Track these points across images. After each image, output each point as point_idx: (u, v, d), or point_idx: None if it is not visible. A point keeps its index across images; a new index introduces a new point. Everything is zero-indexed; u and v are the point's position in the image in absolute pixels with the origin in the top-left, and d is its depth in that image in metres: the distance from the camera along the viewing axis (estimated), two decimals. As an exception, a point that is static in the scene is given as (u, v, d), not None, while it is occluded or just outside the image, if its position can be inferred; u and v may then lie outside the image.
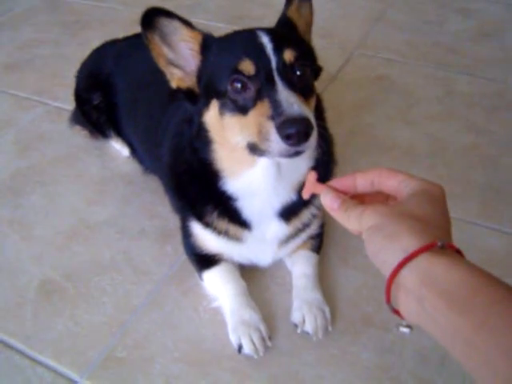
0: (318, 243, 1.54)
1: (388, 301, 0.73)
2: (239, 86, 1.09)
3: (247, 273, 1.50)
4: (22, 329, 1.41)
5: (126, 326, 1.41)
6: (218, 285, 1.44)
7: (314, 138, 1.04)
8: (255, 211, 1.33)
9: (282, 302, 1.45)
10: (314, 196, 0.96)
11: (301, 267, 1.47)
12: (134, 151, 1.96)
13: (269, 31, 1.15)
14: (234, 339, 1.32)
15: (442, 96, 2.34)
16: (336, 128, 1.55)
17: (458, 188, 1.82)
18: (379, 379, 1.26)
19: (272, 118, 1.02)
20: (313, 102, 1.18)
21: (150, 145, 1.69)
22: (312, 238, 1.51)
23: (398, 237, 0.70)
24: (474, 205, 1.75)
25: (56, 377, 1.30)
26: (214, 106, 1.16)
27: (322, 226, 1.55)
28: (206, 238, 1.41)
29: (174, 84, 1.23)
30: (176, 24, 1.17)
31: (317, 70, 1.25)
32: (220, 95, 1.13)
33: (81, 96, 2.01)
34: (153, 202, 1.82)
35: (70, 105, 2.19)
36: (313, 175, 0.92)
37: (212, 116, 1.18)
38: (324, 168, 1.32)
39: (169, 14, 1.15)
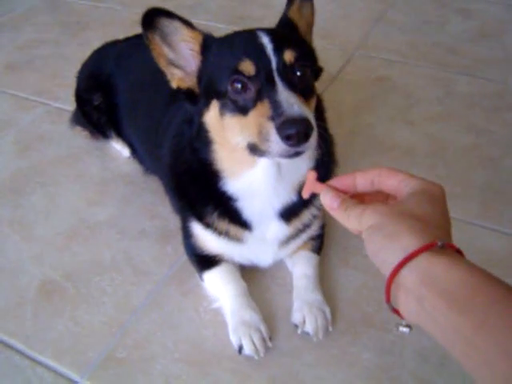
0: (319, 244, 1.54)
1: (388, 300, 0.73)
2: (239, 86, 1.09)
3: (248, 273, 1.50)
4: (22, 329, 1.41)
5: (126, 326, 1.41)
6: (218, 285, 1.44)
7: (314, 139, 1.04)
8: (255, 212, 1.33)
9: (283, 303, 1.45)
10: (314, 196, 0.95)
11: (301, 268, 1.47)
12: (134, 152, 1.96)
13: (269, 31, 1.15)
14: (234, 340, 1.32)
15: (442, 96, 2.34)
16: (336, 128, 1.55)
17: (458, 188, 1.82)
18: (379, 379, 1.26)
19: (272, 118, 1.02)
20: (313, 102, 1.18)
21: (151, 145, 1.69)
22: (313, 238, 1.51)
23: (397, 236, 0.70)
24: (474, 205, 1.75)
25: (56, 377, 1.30)
26: (215, 106, 1.16)
27: (323, 227, 1.55)
28: (206, 238, 1.41)
29: (174, 84, 1.23)
30: (176, 24, 1.17)
31: (317, 71, 1.25)
32: (220, 95, 1.13)
33: (81, 97, 2.01)
34: (153, 202, 1.82)
35: (70, 105, 2.19)
36: (312, 174, 0.91)
37: (212, 116, 1.18)
38: (324, 168, 1.32)
39: (169, 15, 1.15)
